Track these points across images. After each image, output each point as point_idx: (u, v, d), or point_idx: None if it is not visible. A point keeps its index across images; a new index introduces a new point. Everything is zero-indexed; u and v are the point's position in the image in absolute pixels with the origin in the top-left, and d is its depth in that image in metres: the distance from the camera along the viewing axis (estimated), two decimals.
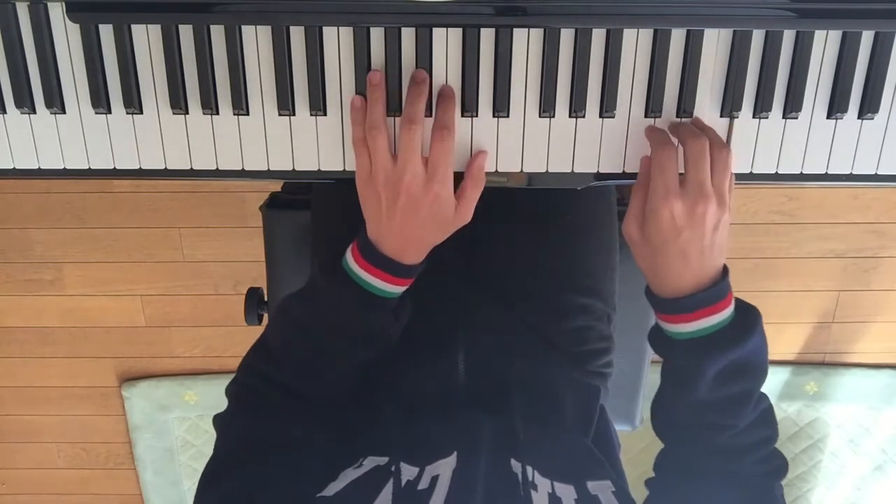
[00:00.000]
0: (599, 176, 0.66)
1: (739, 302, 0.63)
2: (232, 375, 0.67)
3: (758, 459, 0.64)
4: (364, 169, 0.61)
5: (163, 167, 0.66)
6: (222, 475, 0.57)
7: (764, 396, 0.65)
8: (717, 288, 0.60)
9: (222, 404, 0.67)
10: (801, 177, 0.66)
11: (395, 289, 0.64)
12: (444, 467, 0.54)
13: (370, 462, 0.54)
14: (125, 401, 1.87)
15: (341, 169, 0.66)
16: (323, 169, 0.66)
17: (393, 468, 0.53)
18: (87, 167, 0.66)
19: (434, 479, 0.53)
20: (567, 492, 0.54)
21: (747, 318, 0.61)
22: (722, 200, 0.58)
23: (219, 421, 0.64)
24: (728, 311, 0.61)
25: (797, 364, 1.81)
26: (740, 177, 0.66)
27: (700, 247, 0.59)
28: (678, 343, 0.62)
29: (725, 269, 0.61)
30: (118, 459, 1.99)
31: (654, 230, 0.59)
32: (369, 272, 0.63)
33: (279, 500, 0.54)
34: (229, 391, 0.66)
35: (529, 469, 0.55)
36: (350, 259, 0.63)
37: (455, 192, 0.62)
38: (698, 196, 0.58)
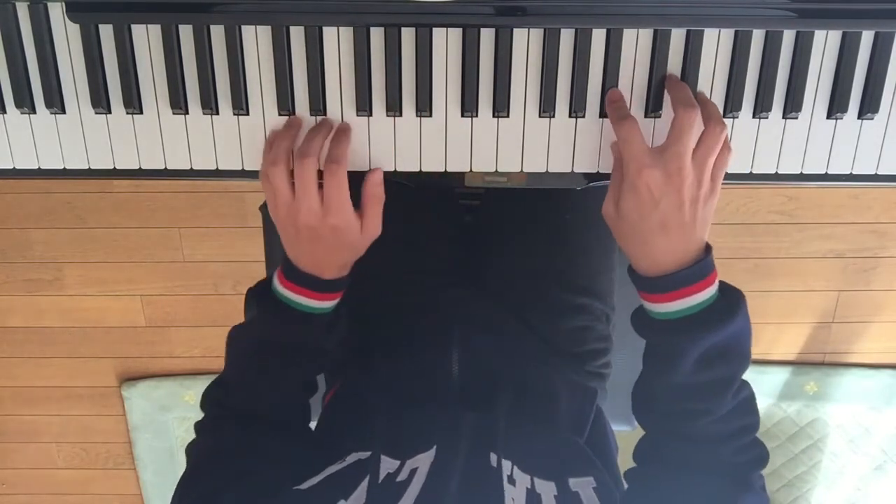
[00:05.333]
0: (600, 176, 0.66)
1: (723, 284, 0.61)
2: None
3: (736, 449, 0.62)
4: (270, 201, 0.62)
5: (163, 167, 0.66)
6: (187, 490, 0.60)
7: (745, 384, 0.63)
8: (699, 265, 0.58)
9: None
10: (801, 177, 0.66)
11: (322, 304, 0.65)
12: (423, 460, 0.55)
13: (353, 457, 0.56)
14: (125, 401, 1.87)
15: None
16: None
17: (373, 462, 0.54)
18: (87, 167, 0.66)
19: (413, 472, 0.54)
20: (547, 488, 0.54)
21: (731, 300, 0.59)
22: (701, 174, 0.56)
23: (187, 449, 0.66)
24: (711, 291, 0.59)
25: (797, 364, 1.81)
26: (740, 177, 0.66)
27: (679, 219, 0.57)
28: (660, 324, 0.61)
29: (709, 248, 0.60)
30: (118, 459, 1.99)
31: (633, 206, 0.58)
32: (293, 291, 0.64)
33: (246, 495, 0.55)
34: (195, 426, 0.68)
35: (508, 464, 0.55)
36: (276, 281, 0.66)
37: (357, 210, 0.62)
38: (672, 165, 0.56)
